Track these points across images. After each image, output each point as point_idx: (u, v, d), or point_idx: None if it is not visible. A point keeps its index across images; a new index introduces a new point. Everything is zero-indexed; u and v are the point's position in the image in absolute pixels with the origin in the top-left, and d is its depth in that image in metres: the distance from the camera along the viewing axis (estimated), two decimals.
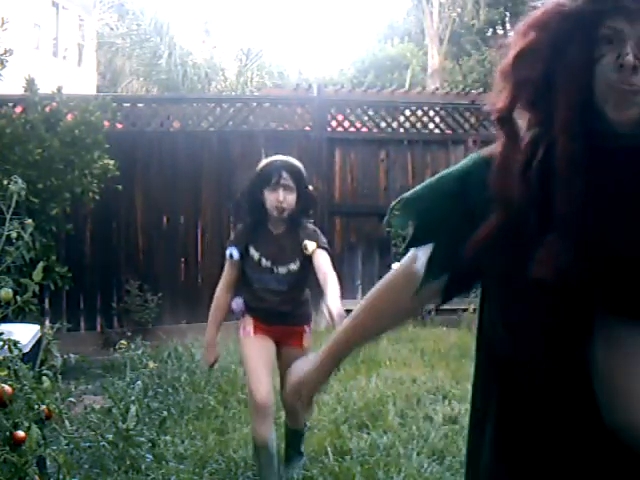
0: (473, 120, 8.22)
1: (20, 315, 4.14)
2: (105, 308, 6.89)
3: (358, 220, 7.67)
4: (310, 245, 3.35)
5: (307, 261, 3.39)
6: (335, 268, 3.30)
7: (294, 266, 3.40)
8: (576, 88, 1.14)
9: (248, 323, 3.47)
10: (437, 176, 1.38)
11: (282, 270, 3.40)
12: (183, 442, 3.98)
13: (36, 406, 2.39)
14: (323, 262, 3.33)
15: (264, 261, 3.39)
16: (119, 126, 6.86)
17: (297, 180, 3.38)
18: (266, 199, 3.36)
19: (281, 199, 3.32)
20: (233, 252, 3.42)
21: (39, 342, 2.96)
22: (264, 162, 3.45)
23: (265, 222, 3.43)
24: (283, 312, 3.43)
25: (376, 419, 4.35)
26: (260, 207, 3.38)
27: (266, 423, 3.33)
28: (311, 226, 3.48)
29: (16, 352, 2.38)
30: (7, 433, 2.28)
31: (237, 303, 3.52)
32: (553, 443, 1.20)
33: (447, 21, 18.89)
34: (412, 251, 1.38)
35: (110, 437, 3.10)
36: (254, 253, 3.40)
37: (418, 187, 1.39)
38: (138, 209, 7.01)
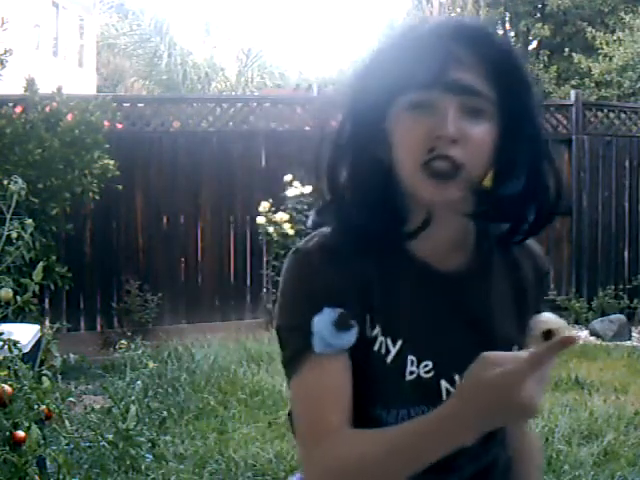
0: None
1: (20, 315, 4.14)
2: (105, 308, 6.88)
3: None
4: (559, 328, 1.10)
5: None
6: None
7: None
8: None
9: None
10: None
11: None
12: (183, 442, 3.98)
13: (36, 406, 2.39)
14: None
15: (411, 364, 1.05)
16: (119, 126, 6.85)
17: (504, 83, 1.02)
18: (394, 141, 1.02)
19: (451, 132, 0.97)
20: (327, 330, 1.02)
21: (39, 342, 2.96)
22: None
23: (402, 237, 1.06)
24: None
25: None
26: (382, 178, 1.04)
27: None
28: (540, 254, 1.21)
29: (16, 352, 2.38)
30: (7, 433, 2.29)
31: None
32: None
33: None
34: None
35: (110, 437, 3.10)
36: (383, 341, 1.06)
37: None
38: (138, 209, 7.00)
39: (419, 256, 1.08)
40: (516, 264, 1.14)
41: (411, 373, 1.05)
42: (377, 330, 1.05)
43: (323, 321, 1.02)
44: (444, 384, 1.06)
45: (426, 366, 1.05)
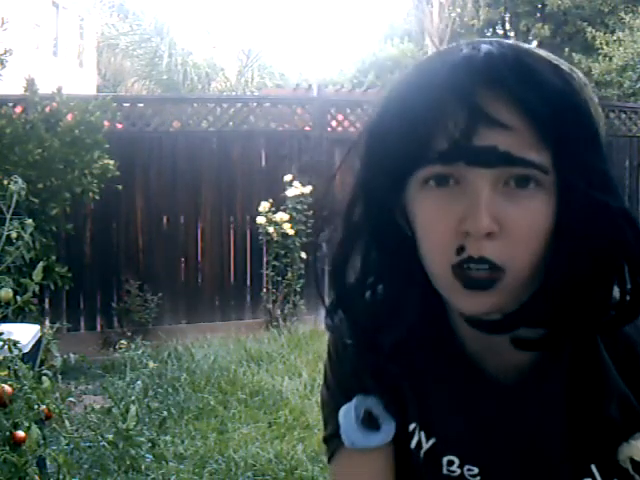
0: None
1: (20, 315, 4.14)
2: (105, 308, 6.89)
3: None
4: None
5: None
6: None
7: None
8: None
9: None
10: None
11: None
12: (183, 442, 3.98)
13: (36, 406, 2.39)
14: None
15: (449, 464, 0.90)
16: (119, 126, 6.85)
17: (562, 136, 0.72)
18: (416, 229, 0.79)
19: (484, 225, 0.72)
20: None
21: (39, 342, 2.96)
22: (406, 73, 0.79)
23: (450, 338, 0.87)
24: None
25: None
26: (408, 272, 0.82)
27: None
28: None
29: (16, 352, 2.38)
30: (7, 433, 2.28)
31: None
32: None
33: (447, 21, 18.88)
34: None
35: (110, 437, 3.09)
36: (417, 434, 0.91)
37: None
38: (138, 209, 7.01)
39: (467, 350, 0.86)
40: (602, 367, 0.82)
41: (451, 471, 0.89)
42: (414, 425, 0.91)
43: (348, 416, 0.89)
44: None
45: (470, 470, 0.88)
